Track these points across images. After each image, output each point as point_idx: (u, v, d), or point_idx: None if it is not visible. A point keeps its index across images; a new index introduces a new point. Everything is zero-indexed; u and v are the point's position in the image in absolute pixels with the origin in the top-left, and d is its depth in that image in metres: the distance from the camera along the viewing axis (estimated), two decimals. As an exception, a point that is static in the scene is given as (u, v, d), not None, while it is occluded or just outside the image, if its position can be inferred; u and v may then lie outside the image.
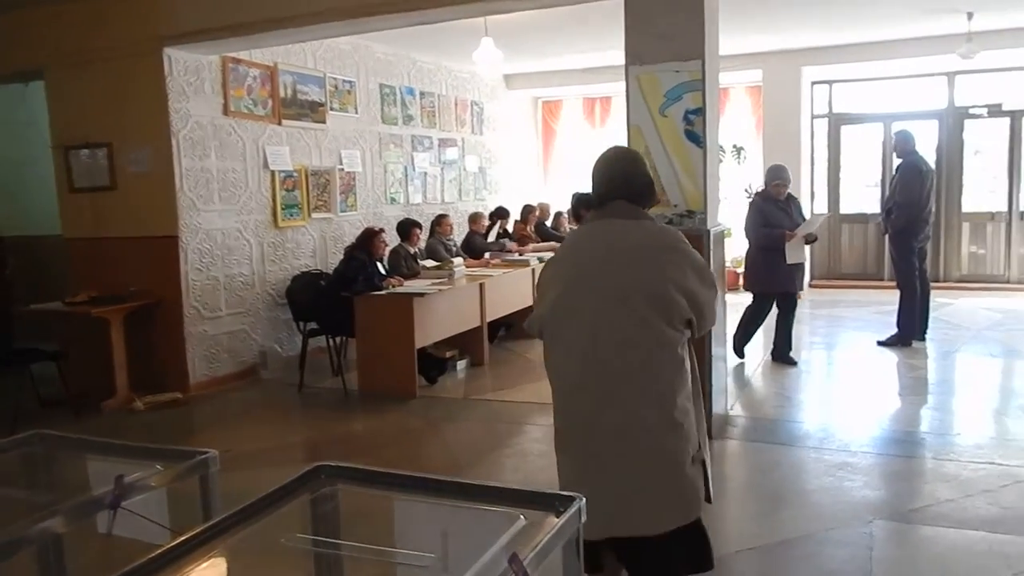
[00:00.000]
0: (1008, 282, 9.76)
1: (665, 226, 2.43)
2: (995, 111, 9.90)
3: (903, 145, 6.75)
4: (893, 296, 7.07)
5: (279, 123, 6.93)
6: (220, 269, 6.39)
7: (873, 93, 10.62)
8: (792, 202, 6.41)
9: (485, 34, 6.97)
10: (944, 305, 8.39)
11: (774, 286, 6.24)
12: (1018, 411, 4.98)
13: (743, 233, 6.56)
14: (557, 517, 1.40)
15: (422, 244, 7.52)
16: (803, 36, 8.66)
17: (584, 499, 1.44)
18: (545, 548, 1.29)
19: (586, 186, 2.63)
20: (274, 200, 6.86)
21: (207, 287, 6.28)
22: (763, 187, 6.55)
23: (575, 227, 6.37)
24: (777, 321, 6.38)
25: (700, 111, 4.53)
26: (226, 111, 6.39)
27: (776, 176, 6.27)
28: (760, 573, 3.19)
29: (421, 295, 5.87)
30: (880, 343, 6.86)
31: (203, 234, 6.23)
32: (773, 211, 6.19)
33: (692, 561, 2.27)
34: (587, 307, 2.19)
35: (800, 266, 6.27)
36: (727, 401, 5.10)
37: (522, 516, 1.43)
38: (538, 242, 9.05)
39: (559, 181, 11.62)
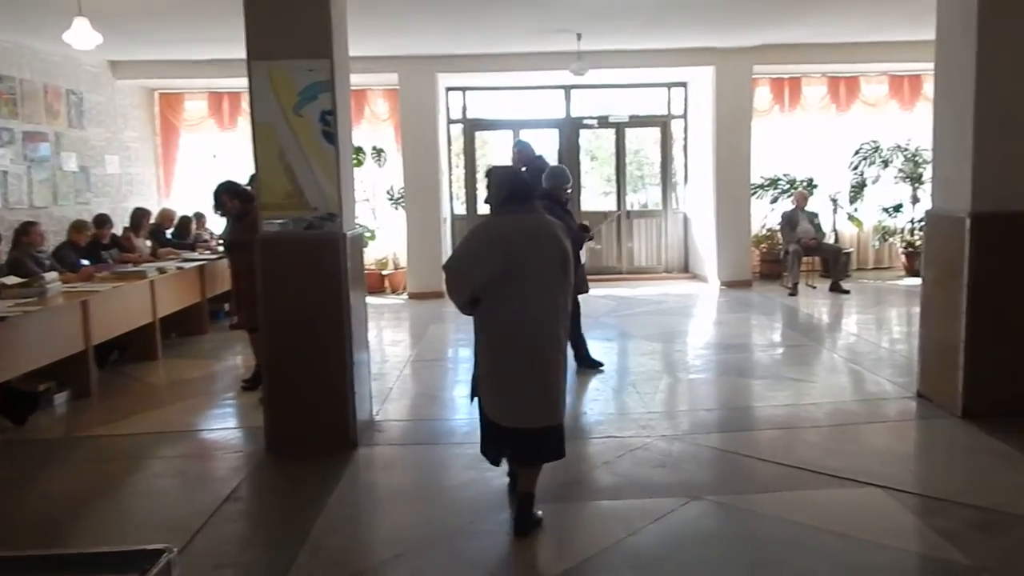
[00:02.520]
0: (621, 273, 11.44)
1: (549, 217, 3.56)
2: (604, 122, 11.58)
3: (525, 154, 7.47)
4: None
5: None
6: None
7: (504, 101, 11.70)
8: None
9: (79, 12, 6.05)
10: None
11: (580, 287, 6.36)
12: (630, 388, 5.78)
13: None
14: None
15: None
16: (437, 43, 9.13)
17: (174, 551, 1.52)
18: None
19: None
20: None
21: None
22: (547, 189, 6.59)
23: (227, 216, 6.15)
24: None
25: (334, 112, 4.48)
26: None
27: (564, 179, 6.20)
28: (406, 578, 3.20)
29: (1, 319, 4.91)
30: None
31: None
32: (561, 213, 6.32)
33: (555, 451, 3.52)
34: (524, 272, 3.33)
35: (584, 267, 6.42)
36: (371, 406, 5.11)
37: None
38: (154, 253, 8.24)
39: (186, 184, 10.71)
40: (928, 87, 10.21)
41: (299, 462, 4.42)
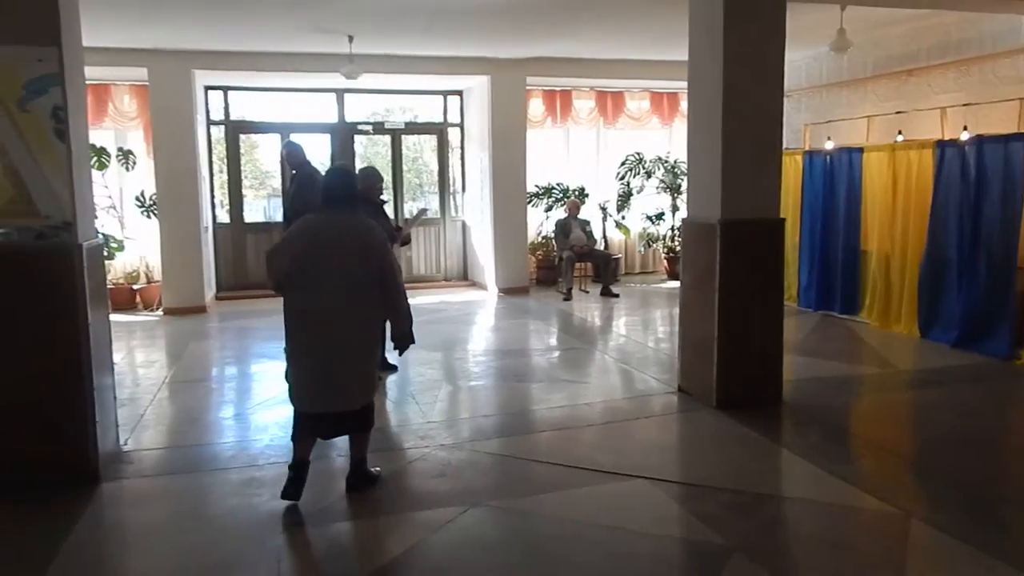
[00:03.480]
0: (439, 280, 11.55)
1: (365, 217, 3.94)
2: (380, 128, 11.45)
3: (295, 157, 7.18)
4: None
5: None
6: None
7: (273, 103, 11.17)
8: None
9: None
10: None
11: None
12: (410, 398, 5.70)
13: None
14: None
15: None
16: (193, 37, 8.47)
17: None
18: None
19: None
20: None
21: None
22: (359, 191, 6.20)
23: None
24: None
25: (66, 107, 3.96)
26: None
27: (377, 178, 6.07)
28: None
29: None
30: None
31: None
32: (378, 217, 5.90)
33: (360, 425, 3.89)
34: (322, 266, 3.65)
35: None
36: (118, 435, 4.58)
37: None
38: None
39: None
40: (684, 104, 11.24)
41: (28, 504, 3.83)
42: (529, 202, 11.09)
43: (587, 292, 10.56)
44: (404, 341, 3.91)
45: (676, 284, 7.01)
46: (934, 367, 6.34)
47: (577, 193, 11.41)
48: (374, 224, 3.91)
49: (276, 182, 11.44)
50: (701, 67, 5.37)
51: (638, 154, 11.71)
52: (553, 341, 7.93)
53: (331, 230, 3.75)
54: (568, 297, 10.04)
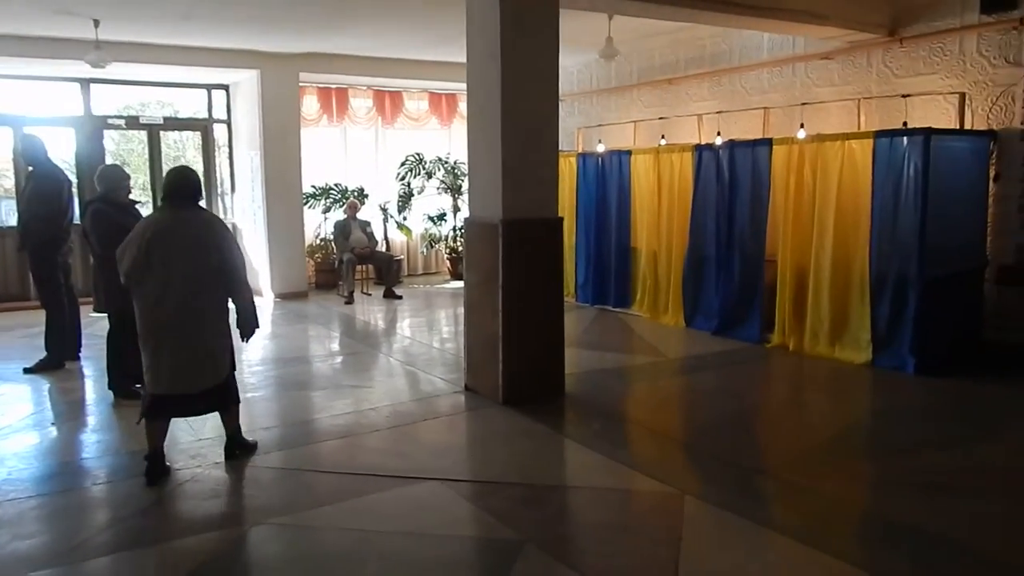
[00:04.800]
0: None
1: (211, 213, 4.32)
2: (134, 123, 10.42)
3: (33, 152, 6.37)
4: (40, 317, 6.57)
5: None
6: None
7: (5, 92, 9.74)
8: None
9: None
10: (99, 319, 8.30)
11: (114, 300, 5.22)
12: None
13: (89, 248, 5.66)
14: None
15: None
16: None
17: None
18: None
19: None
20: None
21: None
22: (103, 192, 5.41)
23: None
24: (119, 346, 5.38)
25: None
26: None
27: (120, 177, 5.46)
28: None
29: None
30: (27, 370, 6.31)
31: None
32: (127, 219, 4.96)
33: (230, 399, 4.29)
34: (173, 256, 3.95)
35: None
36: None
37: None
38: None
39: None
40: (463, 105, 11.40)
41: None
42: (306, 203, 10.68)
43: (369, 295, 10.36)
44: (249, 328, 4.24)
45: (460, 284, 7.07)
46: (699, 353, 6.92)
47: (356, 194, 11.16)
48: (218, 218, 4.29)
49: (9, 182, 10.00)
50: (479, 69, 5.43)
51: (418, 154, 11.70)
52: (335, 346, 7.66)
53: (176, 224, 4.03)
54: (350, 301, 9.78)
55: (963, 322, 6.46)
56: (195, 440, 4.67)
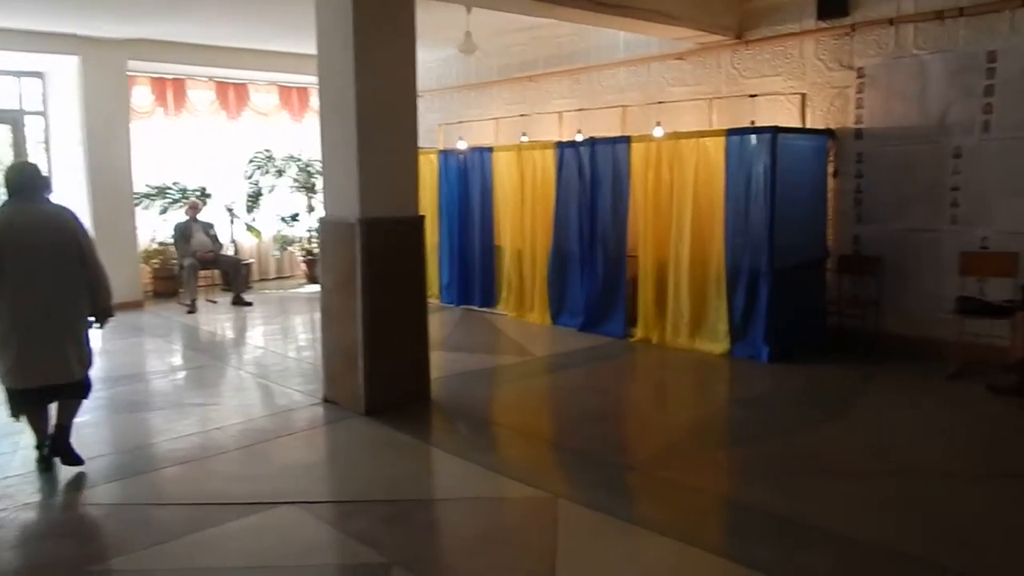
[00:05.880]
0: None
1: (61, 204, 4.30)
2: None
3: None
4: None
5: None
6: None
7: None
8: None
9: None
10: None
11: None
12: (8, 446, 4.60)
13: None
14: None
15: None
16: None
17: None
18: None
19: None
20: None
21: None
22: None
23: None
24: None
25: None
26: None
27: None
28: None
29: None
30: None
31: None
32: None
33: (83, 393, 4.34)
34: (32, 249, 3.99)
35: None
36: None
37: None
38: None
39: None
40: (316, 99, 10.93)
41: None
42: (139, 204, 9.88)
43: (215, 303, 9.71)
44: (106, 315, 4.32)
45: (316, 288, 6.72)
46: (566, 351, 6.94)
47: (198, 193, 10.44)
48: (68, 208, 4.25)
49: None
50: (331, 61, 5.15)
51: (267, 151, 11.12)
52: (176, 360, 7.08)
53: (29, 217, 4.05)
54: (192, 309, 9.12)
55: (809, 311, 6.84)
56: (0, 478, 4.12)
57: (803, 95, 7.12)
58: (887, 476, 4.08)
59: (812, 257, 6.86)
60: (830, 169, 6.96)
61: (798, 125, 7.08)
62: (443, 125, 10.53)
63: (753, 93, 7.43)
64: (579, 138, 8.04)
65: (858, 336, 6.69)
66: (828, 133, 6.92)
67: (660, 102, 8.11)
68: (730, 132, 6.51)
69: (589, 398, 5.65)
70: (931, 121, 6.39)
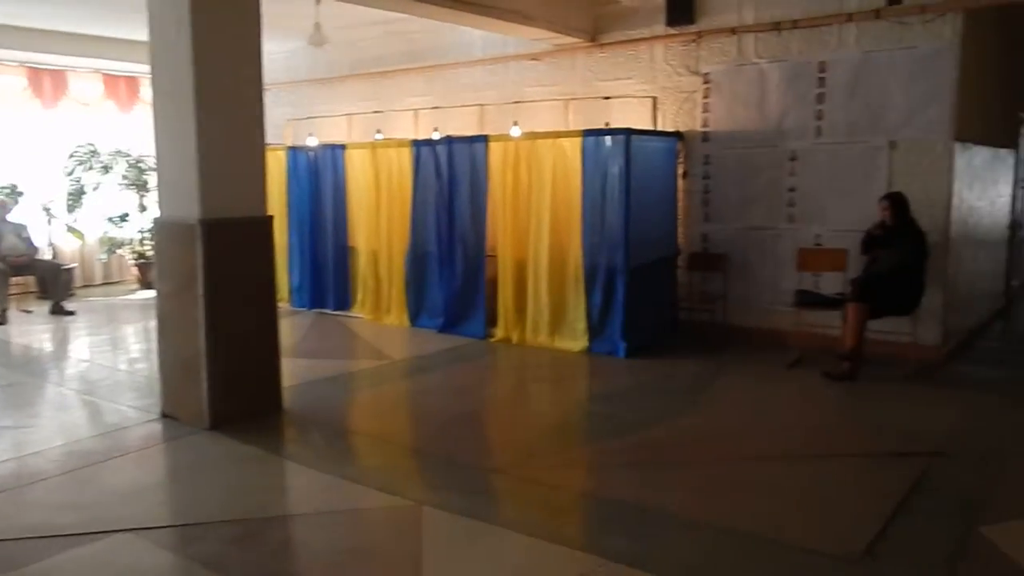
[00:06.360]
0: None
1: None
2: None
3: None
4: None
5: None
6: None
7: None
8: None
9: None
10: None
11: None
12: None
13: None
14: None
15: None
16: None
17: None
18: None
19: None
20: None
21: None
22: None
23: None
24: None
25: None
26: None
27: None
28: None
29: None
30: None
31: None
32: None
33: None
34: None
35: None
36: None
37: None
38: None
39: None
40: (146, 90, 10.20)
41: None
42: (-66, 203, 8.84)
43: (30, 312, 8.83)
44: None
45: (151, 294, 6.24)
46: (425, 353, 6.83)
47: (8, 191, 9.46)
48: None
49: None
50: (165, 50, 4.77)
51: (91, 145, 10.26)
52: (-14, 378, 6.37)
53: None
54: (2, 320, 8.24)
55: (663, 306, 7.12)
56: None
57: (654, 98, 7.39)
58: (736, 461, 4.29)
59: (665, 255, 7.13)
60: (680, 170, 7.27)
61: (650, 127, 7.34)
62: (292, 121, 10.13)
63: (607, 95, 7.63)
64: (436, 136, 7.95)
65: (708, 329, 7.02)
66: (677, 135, 7.22)
67: (517, 102, 8.17)
68: (586, 133, 6.64)
69: (450, 401, 5.57)
70: (770, 126, 6.81)
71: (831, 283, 6.45)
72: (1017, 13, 7.02)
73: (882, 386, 5.67)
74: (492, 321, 7.26)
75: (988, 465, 4.20)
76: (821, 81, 6.54)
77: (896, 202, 5.88)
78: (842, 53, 6.42)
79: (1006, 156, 8.22)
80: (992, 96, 7.37)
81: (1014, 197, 8.70)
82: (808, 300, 6.34)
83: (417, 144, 7.67)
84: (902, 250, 5.80)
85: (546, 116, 7.99)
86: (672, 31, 7.20)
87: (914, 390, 5.60)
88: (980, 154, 6.99)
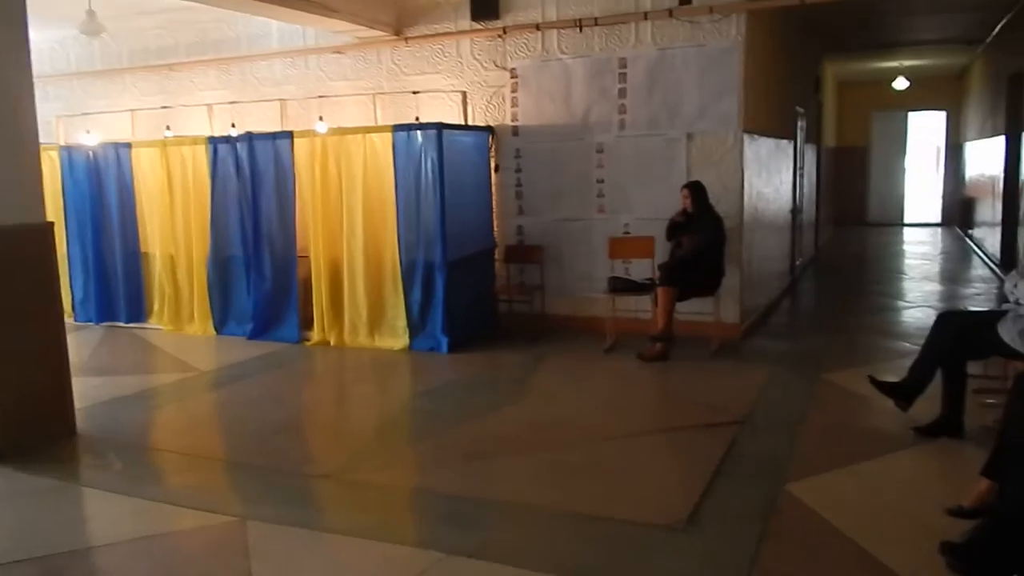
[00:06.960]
0: None
1: None
2: None
3: None
4: None
5: None
6: None
7: None
8: None
9: None
10: None
11: None
12: None
13: None
14: None
15: None
16: None
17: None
18: None
19: None
20: None
21: None
22: None
23: None
24: None
25: None
26: None
27: None
28: None
29: None
30: None
31: None
32: None
33: None
34: None
35: None
36: None
37: None
38: None
39: None
40: None
41: None
42: None
43: None
44: None
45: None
46: (235, 362, 6.52)
47: None
48: None
49: None
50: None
51: None
52: None
53: None
54: None
55: (482, 299, 7.25)
56: None
57: (464, 93, 7.50)
58: (564, 446, 4.44)
59: (481, 248, 7.25)
60: (492, 164, 7.42)
61: (461, 122, 7.44)
62: (62, 117, 9.27)
63: (416, 90, 7.64)
64: (234, 133, 7.59)
65: (528, 320, 7.24)
66: (488, 130, 7.37)
67: (322, 96, 7.98)
68: (396, 128, 6.61)
69: (267, 409, 5.35)
70: (576, 120, 7.13)
71: (641, 269, 6.85)
72: (792, 16, 7.83)
73: (691, 364, 6.10)
74: (307, 324, 7.05)
75: (787, 429, 4.66)
76: (623, 76, 6.94)
77: (695, 190, 6.37)
78: (640, 50, 6.84)
79: (786, 146, 9.12)
80: (773, 91, 8.15)
81: (794, 184, 9.69)
82: (620, 286, 6.70)
83: (214, 141, 7.29)
84: (703, 235, 6.28)
85: (353, 111, 7.87)
86: (478, 26, 7.34)
87: (719, 365, 6.09)
88: (765, 144, 7.71)
